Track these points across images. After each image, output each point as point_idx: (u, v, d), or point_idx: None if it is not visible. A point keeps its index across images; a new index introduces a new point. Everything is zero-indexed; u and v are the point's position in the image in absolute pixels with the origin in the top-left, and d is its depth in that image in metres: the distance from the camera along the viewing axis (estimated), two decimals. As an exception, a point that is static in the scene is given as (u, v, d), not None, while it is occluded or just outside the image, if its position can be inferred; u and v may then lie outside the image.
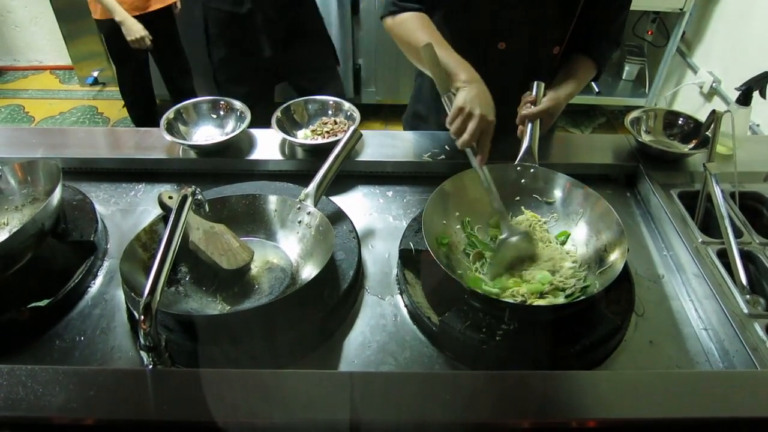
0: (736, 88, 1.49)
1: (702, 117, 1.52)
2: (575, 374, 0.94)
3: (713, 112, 1.36)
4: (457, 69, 1.25)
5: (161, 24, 3.07)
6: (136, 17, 2.89)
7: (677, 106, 3.59)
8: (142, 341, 0.75)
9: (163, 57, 3.29)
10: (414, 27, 1.36)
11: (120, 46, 2.95)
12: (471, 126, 1.18)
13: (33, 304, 1.09)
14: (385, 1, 1.45)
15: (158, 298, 0.77)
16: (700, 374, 1.01)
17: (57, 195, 1.18)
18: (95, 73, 4.28)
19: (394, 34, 1.42)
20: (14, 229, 1.21)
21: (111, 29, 2.90)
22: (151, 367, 0.76)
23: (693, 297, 1.20)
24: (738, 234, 1.24)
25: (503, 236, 1.20)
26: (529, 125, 1.32)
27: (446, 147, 1.54)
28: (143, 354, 0.76)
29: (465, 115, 1.19)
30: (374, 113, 3.99)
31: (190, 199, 0.94)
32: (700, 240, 1.25)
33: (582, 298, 1.04)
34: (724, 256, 1.20)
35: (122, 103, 4.03)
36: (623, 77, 3.90)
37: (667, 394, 0.85)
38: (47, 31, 4.48)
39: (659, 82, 3.63)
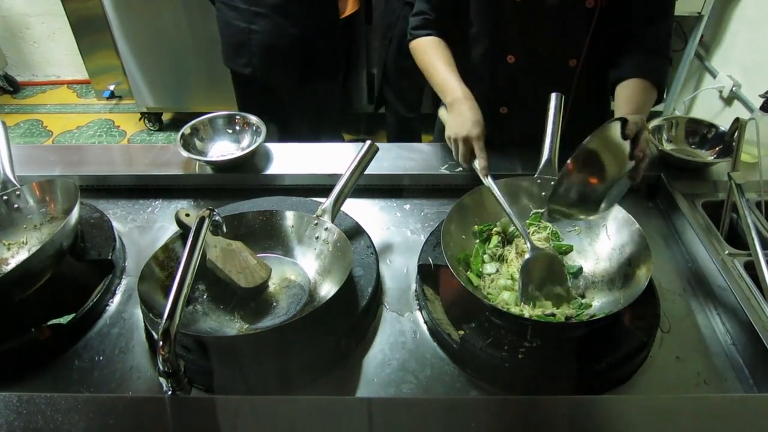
0: (760, 95, 1.46)
1: (722, 122, 1.49)
2: (607, 399, 0.92)
3: (737, 119, 1.33)
4: (443, 90, 1.36)
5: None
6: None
7: (696, 111, 3.53)
8: (161, 367, 0.74)
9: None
10: (424, 51, 1.46)
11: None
12: (460, 150, 1.31)
13: (53, 321, 1.09)
14: (408, 30, 1.54)
15: (177, 323, 0.76)
16: (734, 398, 0.98)
17: (75, 214, 1.18)
18: (112, 87, 4.32)
19: (414, 58, 1.51)
20: (33, 249, 1.22)
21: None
22: (170, 393, 0.76)
23: (720, 311, 1.17)
24: (765, 245, 1.21)
25: (528, 256, 1.13)
26: (549, 137, 1.30)
27: (463, 159, 1.53)
28: (162, 380, 0.75)
29: (453, 143, 1.32)
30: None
31: (207, 221, 0.93)
32: (726, 252, 1.22)
33: (606, 313, 1.02)
34: (751, 268, 1.17)
35: (138, 116, 4.08)
36: (640, 82, 3.84)
37: (701, 420, 0.82)
38: (64, 46, 4.54)
39: (677, 86, 3.58)
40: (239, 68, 2.29)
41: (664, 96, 3.64)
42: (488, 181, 1.24)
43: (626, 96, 1.34)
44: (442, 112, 1.39)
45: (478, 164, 1.28)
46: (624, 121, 1.10)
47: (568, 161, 1.10)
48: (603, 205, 1.14)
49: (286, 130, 2.54)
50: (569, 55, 1.42)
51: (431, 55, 1.43)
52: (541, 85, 1.42)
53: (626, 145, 1.10)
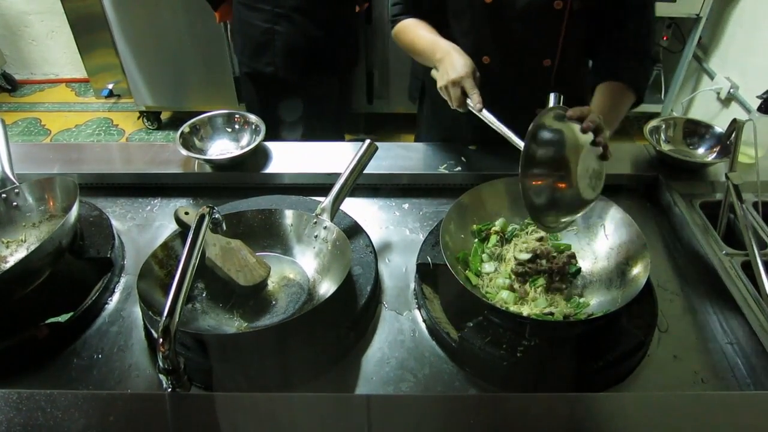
0: (757, 96, 1.47)
1: (720, 123, 1.50)
2: (603, 397, 0.92)
3: (734, 120, 1.34)
4: (431, 51, 1.37)
5: None
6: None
7: (694, 113, 3.54)
8: (161, 364, 0.74)
9: None
10: (406, 30, 1.49)
11: None
12: (452, 95, 1.29)
13: (52, 320, 1.09)
14: (389, 19, 1.56)
15: (177, 320, 0.76)
16: (731, 396, 0.99)
17: (74, 212, 1.18)
18: (110, 86, 4.30)
19: (398, 42, 1.53)
20: (32, 247, 1.22)
21: None
22: (170, 390, 0.76)
23: (717, 310, 1.17)
24: (762, 245, 1.22)
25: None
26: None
27: (462, 158, 1.53)
28: (162, 377, 0.75)
29: (445, 91, 1.31)
30: (387, 123, 3.97)
31: (207, 219, 0.93)
32: (723, 252, 1.23)
33: (604, 312, 1.02)
34: (748, 268, 1.17)
35: (137, 115, 4.07)
36: (638, 83, 3.85)
37: (699, 417, 0.82)
38: (63, 44, 4.53)
39: (675, 87, 3.59)
40: (260, 67, 2.31)
41: (661, 97, 3.66)
42: (484, 114, 1.25)
43: (597, 100, 1.34)
44: (434, 72, 1.39)
45: (471, 101, 1.26)
46: (558, 110, 1.09)
47: (519, 178, 1.05)
48: (587, 195, 1.10)
49: (297, 127, 2.55)
50: (543, 55, 1.42)
51: (414, 30, 1.45)
52: (517, 85, 1.44)
53: (575, 128, 1.09)
